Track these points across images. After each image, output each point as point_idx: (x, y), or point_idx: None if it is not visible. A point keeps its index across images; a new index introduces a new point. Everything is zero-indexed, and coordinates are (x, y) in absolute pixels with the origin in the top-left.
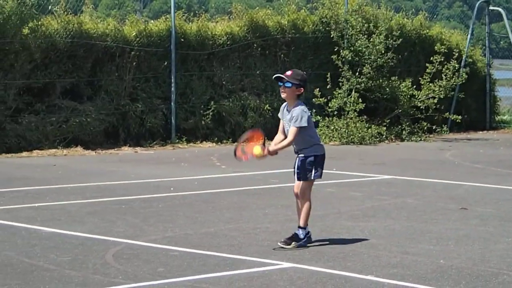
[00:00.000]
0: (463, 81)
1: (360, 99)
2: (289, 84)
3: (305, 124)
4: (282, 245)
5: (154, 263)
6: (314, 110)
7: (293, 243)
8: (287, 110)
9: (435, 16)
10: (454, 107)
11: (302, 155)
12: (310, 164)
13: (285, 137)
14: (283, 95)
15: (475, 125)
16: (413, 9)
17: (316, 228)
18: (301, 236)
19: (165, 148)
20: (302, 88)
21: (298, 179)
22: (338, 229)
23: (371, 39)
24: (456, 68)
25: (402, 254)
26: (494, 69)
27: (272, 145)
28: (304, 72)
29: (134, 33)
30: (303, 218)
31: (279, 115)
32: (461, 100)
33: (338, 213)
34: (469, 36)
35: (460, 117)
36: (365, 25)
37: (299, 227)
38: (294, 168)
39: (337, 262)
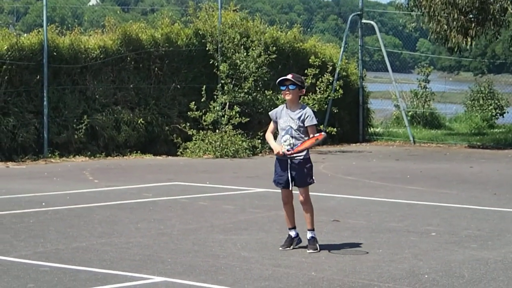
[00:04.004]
0: (339, 96)
1: (237, 113)
2: (293, 87)
3: (316, 122)
4: (314, 251)
5: (24, 279)
6: (188, 124)
7: (317, 245)
8: (291, 110)
9: (309, 30)
10: (327, 120)
11: (300, 157)
12: (310, 168)
13: (274, 136)
14: (287, 97)
15: (349, 137)
16: (287, 22)
17: (189, 241)
18: (316, 237)
19: (37, 163)
20: (304, 90)
21: (300, 184)
22: (211, 242)
23: (249, 52)
24: (330, 81)
25: (274, 267)
26: (368, 82)
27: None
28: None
29: (6, 47)
30: (312, 221)
31: (272, 115)
32: (334, 113)
33: (211, 227)
34: (342, 49)
35: (335, 129)
36: (242, 38)
37: (310, 229)
38: (287, 175)
39: (209, 276)
